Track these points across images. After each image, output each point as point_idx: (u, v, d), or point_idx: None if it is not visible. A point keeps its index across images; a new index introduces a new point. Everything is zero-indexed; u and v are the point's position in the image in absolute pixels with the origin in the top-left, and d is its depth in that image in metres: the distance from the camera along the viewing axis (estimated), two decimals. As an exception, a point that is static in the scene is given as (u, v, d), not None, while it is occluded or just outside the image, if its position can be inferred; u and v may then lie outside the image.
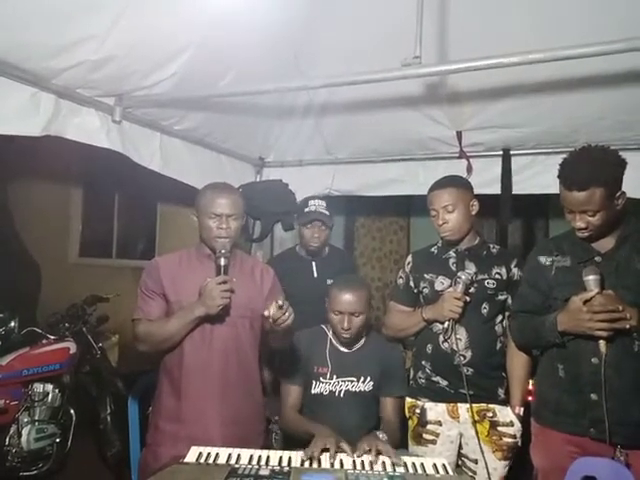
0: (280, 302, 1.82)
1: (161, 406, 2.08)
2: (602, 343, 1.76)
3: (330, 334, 2.37)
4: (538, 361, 2.11)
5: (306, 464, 1.79)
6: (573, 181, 1.76)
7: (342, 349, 2.35)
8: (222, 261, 1.98)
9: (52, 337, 3.38)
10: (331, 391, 2.30)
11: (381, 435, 2.07)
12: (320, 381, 2.31)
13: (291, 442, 2.18)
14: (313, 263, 2.95)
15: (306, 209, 2.93)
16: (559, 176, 1.83)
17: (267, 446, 1.94)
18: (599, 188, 1.72)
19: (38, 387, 3.24)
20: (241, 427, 2.07)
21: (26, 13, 1.73)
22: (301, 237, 3.00)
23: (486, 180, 3.03)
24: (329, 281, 2.76)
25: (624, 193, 1.80)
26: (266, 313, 1.83)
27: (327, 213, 2.91)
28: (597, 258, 1.86)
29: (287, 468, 1.72)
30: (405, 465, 1.81)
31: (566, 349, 1.89)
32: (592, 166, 1.75)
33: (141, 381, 2.55)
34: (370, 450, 1.86)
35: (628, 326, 1.72)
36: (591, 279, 1.77)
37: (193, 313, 1.97)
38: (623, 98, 2.46)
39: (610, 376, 1.78)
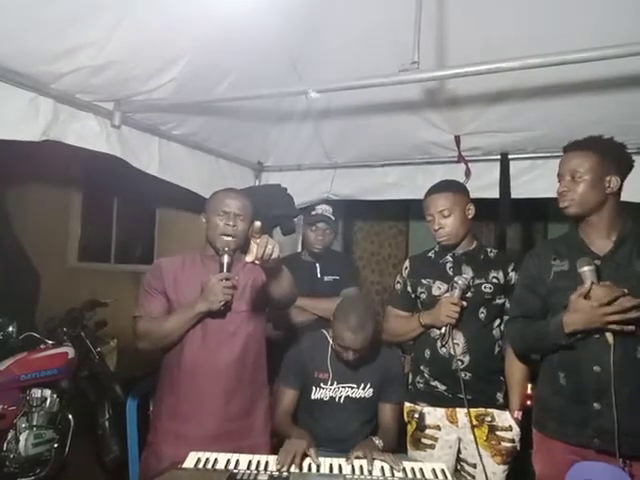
0: (258, 240, 1.62)
1: (162, 404, 2.10)
2: (610, 336, 1.72)
3: (331, 340, 2.36)
4: (538, 367, 2.05)
5: (305, 469, 1.80)
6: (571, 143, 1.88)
7: (343, 355, 2.34)
8: (225, 258, 1.99)
9: (50, 342, 3.38)
10: (331, 397, 2.30)
11: (377, 441, 2.06)
12: (320, 387, 2.31)
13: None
14: (317, 265, 3.03)
15: (313, 212, 3.06)
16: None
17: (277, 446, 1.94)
18: (595, 154, 1.82)
19: (36, 392, 3.23)
20: (242, 425, 2.07)
21: (25, 18, 1.73)
22: (305, 239, 3.10)
23: (485, 184, 3.03)
24: (330, 278, 2.98)
25: (617, 180, 1.82)
26: (249, 259, 1.63)
27: (333, 218, 3.04)
28: (596, 261, 1.80)
29: (286, 473, 1.73)
30: (404, 470, 1.81)
31: (567, 357, 1.84)
32: (592, 136, 1.87)
33: (141, 383, 2.55)
34: (362, 457, 1.87)
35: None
36: (586, 270, 1.74)
37: (194, 309, 1.99)
38: (622, 102, 2.45)
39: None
